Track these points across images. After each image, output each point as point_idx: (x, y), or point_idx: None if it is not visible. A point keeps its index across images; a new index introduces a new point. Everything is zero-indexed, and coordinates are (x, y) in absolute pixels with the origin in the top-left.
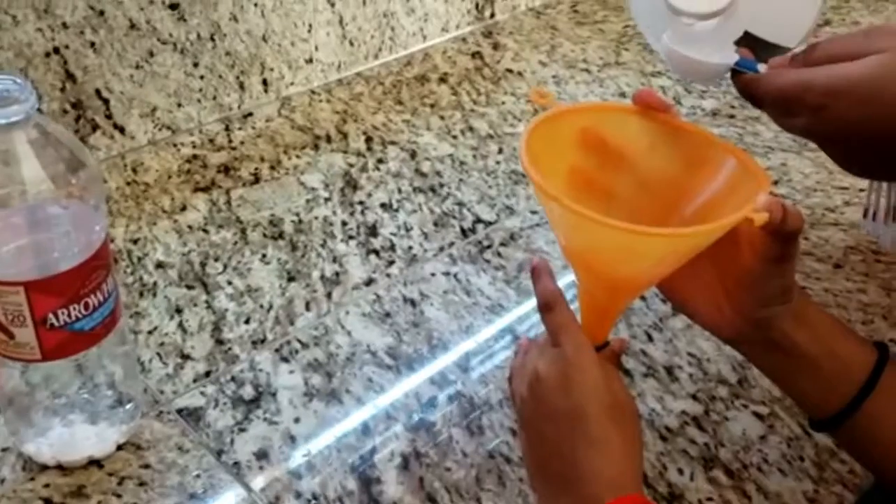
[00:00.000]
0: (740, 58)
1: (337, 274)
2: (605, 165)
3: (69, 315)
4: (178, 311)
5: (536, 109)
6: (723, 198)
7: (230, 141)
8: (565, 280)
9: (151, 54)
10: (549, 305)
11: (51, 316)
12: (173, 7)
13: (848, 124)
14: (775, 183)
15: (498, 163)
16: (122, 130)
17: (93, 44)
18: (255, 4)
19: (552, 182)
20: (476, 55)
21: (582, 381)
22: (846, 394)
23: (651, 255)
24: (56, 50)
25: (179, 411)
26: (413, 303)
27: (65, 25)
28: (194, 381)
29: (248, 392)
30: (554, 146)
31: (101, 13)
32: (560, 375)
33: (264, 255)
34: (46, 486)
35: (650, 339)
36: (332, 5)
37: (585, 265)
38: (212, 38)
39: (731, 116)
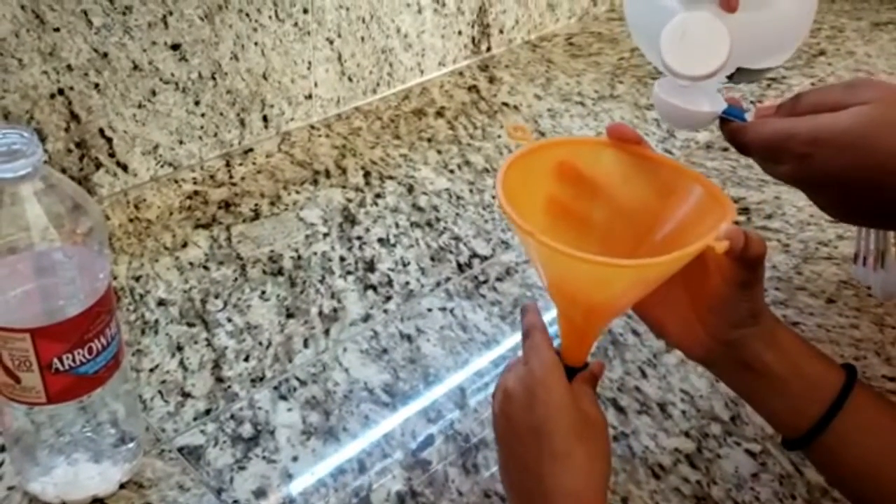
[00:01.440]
0: (728, 106)
1: (335, 310)
2: (581, 196)
3: (74, 360)
4: (179, 348)
5: (518, 145)
6: (691, 224)
7: (231, 177)
8: (553, 313)
9: (154, 94)
10: (528, 333)
11: (56, 361)
12: (175, 48)
13: (831, 172)
14: (769, 217)
15: (493, 197)
16: (124, 168)
17: (97, 85)
18: (256, 43)
19: (529, 212)
20: (472, 89)
21: (547, 398)
22: (814, 414)
23: (621, 284)
24: (61, 91)
25: (180, 450)
26: (409, 339)
27: (69, 68)
28: (195, 419)
29: (247, 430)
30: (531, 179)
31: (105, 55)
32: (526, 392)
33: (264, 292)
34: None
35: (644, 375)
36: (331, 43)
37: (561, 293)
38: (213, 77)
39: (725, 149)
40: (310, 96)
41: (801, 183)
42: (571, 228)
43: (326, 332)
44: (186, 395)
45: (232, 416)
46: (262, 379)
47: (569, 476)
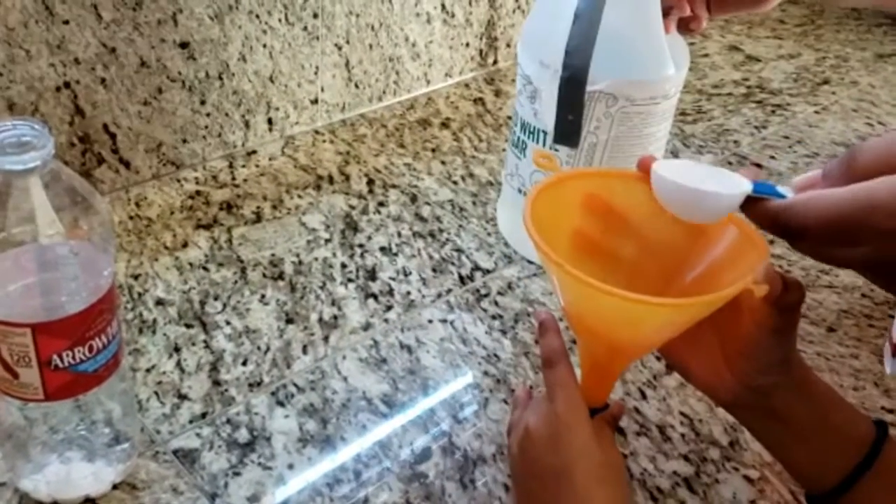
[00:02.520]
0: (756, 182)
1: (335, 317)
2: (609, 230)
3: (74, 357)
4: (177, 349)
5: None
6: (724, 266)
7: (233, 178)
8: (570, 335)
9: (160, 91)
10: (551, 362)
11: (55, 357)
12: (184, 46)
13: None
14: (771, 243)
15: (496, 209)
16: (127, 165)
17: (103, 80)
18: (264, 46)
19: (556, 244)
20: (478, 101)
21: (570, 440)
22: (842, 469)
23: (651, 323)
24: (67, 84)
25: (175, 452)
26: (409, 349)
27: (77, 61)
28: (190, 421)
29: (243, 435)
30: (558, 210)
31: (113, 50)
32: (549, 433)
33: (263, 296)
34: None
35: (644, 396)
36: (340, 49)
37: (586, 328)
38: (220, 77)
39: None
40: (315, 101)
41: (881, 266)
42: (598, 263)
43: (326, 339)
44: (183, 397)
45: (228, 421)
46: (259, 384)
47: None
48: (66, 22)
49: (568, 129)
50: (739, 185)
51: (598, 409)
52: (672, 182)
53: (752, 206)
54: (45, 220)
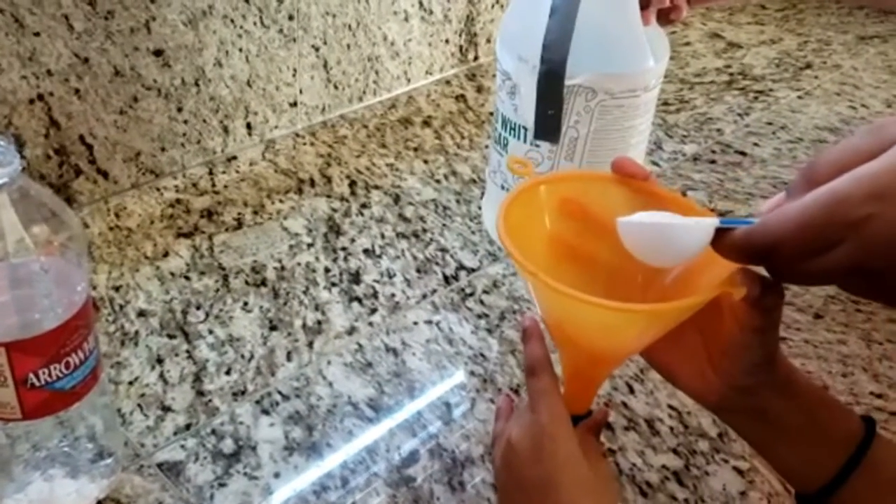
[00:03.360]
0: (723, 216)
1: (319, 322)
2: (587, 234)
3: (50, 375)
4: (160, 361)
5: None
6: (703, 266)
7: (213, 185)
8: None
9: (136, 100)
10: (534, 370)
11: (31, 376)
12: (158, 53)
13: None
14: None
15: (480, 207)
16: (105, 175)
17: (77, 90)
18: (240, 50)
19: (532, 251)
20: (460, 98)
21: (554, 451)
22: (830, 468)
23: (630, 330)
24: (41, 97)
25: (160, 465)
26: (395, 352)
27: (49, 73)
28: (175, 433)
29: (228, 446)
30: (533, 215)
31: (86, 60)
32: (532, 444)
33: (246, 303)
34: None
35: (631, 391)
36: (317, 50)
37: (565, 337)
38: (196, 84)
39: (713, 161)
40: (295, 104)
41: (864, 271)
42: (576, 269)
43: (310, 344)
44: (166, 409)
45: (213, 431)
46: (243, 393)
47: None
48: (37, 34)
49: (548, 124)
50: (707, 222)
51: (581, 416)
52: (639, 223)
53: (721, 238)
54: (15, 237)
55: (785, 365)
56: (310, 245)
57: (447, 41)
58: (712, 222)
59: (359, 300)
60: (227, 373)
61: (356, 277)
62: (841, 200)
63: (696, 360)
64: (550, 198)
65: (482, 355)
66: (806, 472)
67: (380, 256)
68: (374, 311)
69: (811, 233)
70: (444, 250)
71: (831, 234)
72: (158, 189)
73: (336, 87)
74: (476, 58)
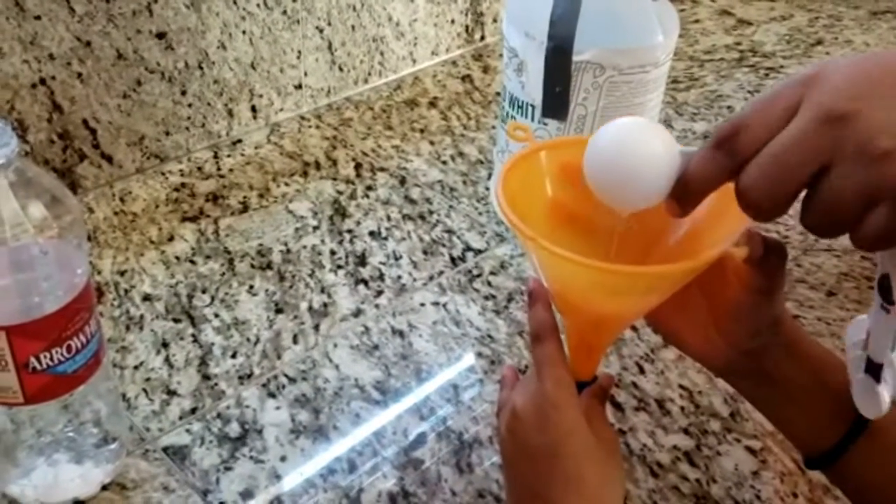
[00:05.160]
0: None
1: (325, 305)
2: (588, 199)
3: (52, 358)
4: (165, 345)
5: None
6: (707, 227)
7: (219, 168)
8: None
9: (139, 83)
10: (539, 336)
11: (33, 360)
12: (160, 36)
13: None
14: None
15: (488, 188)
16: (109, 160)
17: (80, 74)
18: (244, 32)
19: (532, 217)
20: (466, 78)
21: (558, 419)
22: (838, 430)
23: (631, 292)
24: (43, 81)
25: (165, 449)
26: (402, 334)
27: (51, 57)
28: (180, 417)
29: (234, 429)
30: (533, 182)
31: (88, 44)
32: (537, 412)
33: (252, 287)
34: None
35: (642, 371)
36: (321, 31)
37: (568, 303)
38: (200, 67)
39: None
40: (299, 86)
41: (833, 106)
42: (577, 234)
43: (316, 327)
44: (172, 393)
45: (218, 415)
46: (249, 376)
47: (580, 501)
48: (38, 17)
49: (556, 102)
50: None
51: (587, 383)
52: (601, 156)
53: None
54: (14, 221)
55: (791, 327)
56: (315, 228)
57: (453, 21)
58: (677, 150)
59: (365, 282)
60: (233, 356)
61: (362, 260)
62: (783, 83)
63: (701, 325)
64: (551, 164)
65: (490, 336)
66: (813, 435)
67: (386, 238)
68: (380, 293)
69: (768, 99)
70: (450, 232)
71: (787, 93)
72: (163, 173)
73: (341, 69)
74: (482, 38)
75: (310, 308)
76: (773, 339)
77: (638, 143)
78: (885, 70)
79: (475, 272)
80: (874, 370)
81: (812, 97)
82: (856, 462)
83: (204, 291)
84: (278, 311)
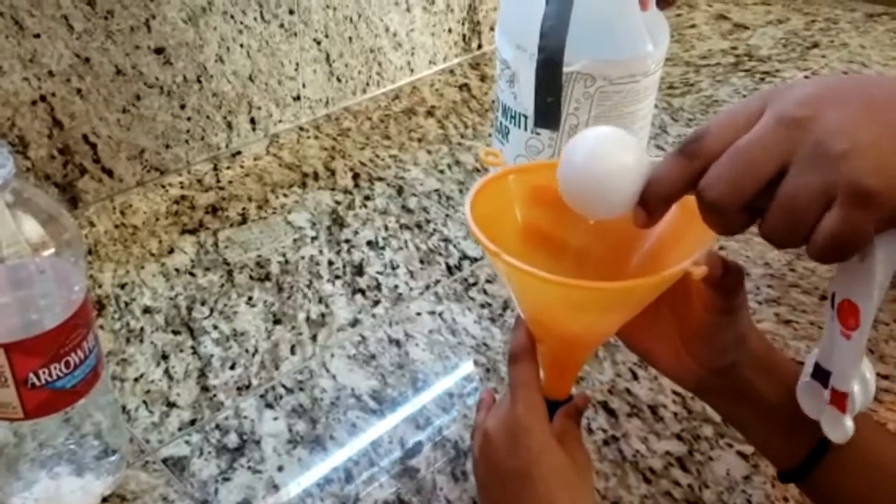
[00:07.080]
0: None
1: (322, 315)
2: (561, 220)
3: (51, 374)
4: (165, 357)
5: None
6: (669, 244)
7: (218, 181)
8: None
9: (138, 98)
10: (515, 357)
11: (32, 376)
12: (159, 51)
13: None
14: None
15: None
16: (110, 174)
17: (79, 90)
18: (241, 45)
19: (505, 240)
20: (463, 87)
21: (528, 442)
22: (808, 444)
23: (594, 308)
24: (43, 98)
25: (165, 461)
26: (398, 343)
27: (51, 74)
28: (179, 429)
29: (232, 440)
30: (505, 205)
31: (87, 60)
32: (508, 435)
33: (250, 298)
34: None
35: (635, 377)
36: (319, 43)
37: (537, 322)
38: (198, 80)
39: None
40: (298, 97)
41: (791, 112)
42: (550, 256)
43: (314, 337)
44: (171, 405)
45: (217, 426)
46: (248, 387)
47: None
48: (37, 35)
49: (548, 112)
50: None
51: (561, 402)
52: (575, 162)
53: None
54: (12, 240)
55: (759, 344)
56: (313, 238)
57: (450, 30)
58: (647, 161)
59: (362, 292)
60: (232, 367)
61: (359, 270)
62: (748, 98)
63: (671, 343)
64: (521, 187)
65: (485, 345)
66: (784, 449)
67: (383, 248)
68: (377, 302)
69: (732, 110)
70: (447, 240)
71: (751, 104)
72: (163, 186)
73: (339, 80)
74: (479, 46)
75: (307, 318)
76: (742, 356)
77: (609, 153)
78: (843, 82)
79: (471, 281)
80: (838, 401)
81: (774, 106)
82: (826, 475)
83: (203, 303)
84: (276, 321)
